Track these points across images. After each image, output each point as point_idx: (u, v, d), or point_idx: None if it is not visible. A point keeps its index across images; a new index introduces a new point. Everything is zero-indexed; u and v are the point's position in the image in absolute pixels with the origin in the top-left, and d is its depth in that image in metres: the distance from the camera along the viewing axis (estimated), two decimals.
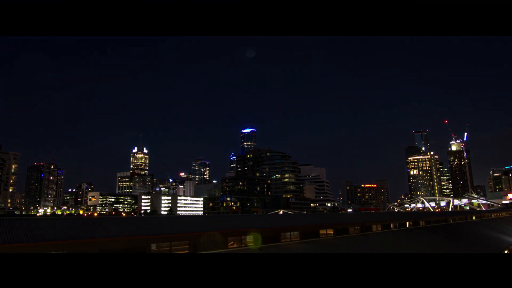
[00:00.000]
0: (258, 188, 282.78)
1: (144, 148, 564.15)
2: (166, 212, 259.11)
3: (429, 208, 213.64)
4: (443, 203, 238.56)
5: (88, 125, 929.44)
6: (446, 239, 66.49)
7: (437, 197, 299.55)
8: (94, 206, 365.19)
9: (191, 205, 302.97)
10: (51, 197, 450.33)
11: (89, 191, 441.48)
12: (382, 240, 53.55)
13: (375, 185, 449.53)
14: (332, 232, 48.17)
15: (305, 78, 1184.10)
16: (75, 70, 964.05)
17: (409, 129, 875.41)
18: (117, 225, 30.17)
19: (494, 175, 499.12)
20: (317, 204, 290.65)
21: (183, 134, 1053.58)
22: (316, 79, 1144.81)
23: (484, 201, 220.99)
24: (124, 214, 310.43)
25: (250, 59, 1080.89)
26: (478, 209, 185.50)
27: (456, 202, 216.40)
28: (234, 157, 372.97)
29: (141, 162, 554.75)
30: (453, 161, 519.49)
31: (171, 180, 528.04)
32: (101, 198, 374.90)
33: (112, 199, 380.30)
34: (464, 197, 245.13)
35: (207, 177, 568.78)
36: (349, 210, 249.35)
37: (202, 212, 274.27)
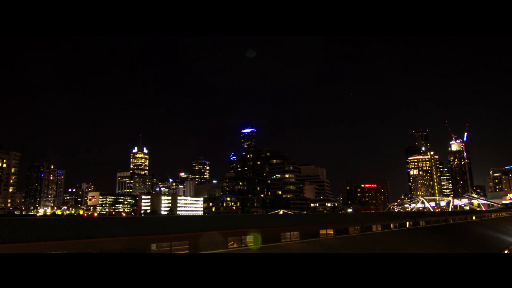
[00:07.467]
0: (258, 188, 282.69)
1: (144, 148, 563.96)
2: (166, 212, 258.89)
3: (429, 208, 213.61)
4: (443, 203, 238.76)
5: (88, 125, 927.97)
6: (446, 239, 66.50)
7: (437, 197, 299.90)
8: (94, 206, 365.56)
9: (191, 205, 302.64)
10: (51, 197, 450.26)
11: (89, 191, 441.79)
12: (382, 240, 53.58)
13: (375, 185, 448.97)
14: (332, 232, 48.21)
15: (305, 78, 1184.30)
16: (75, 70, 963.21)
17: (409, 129, 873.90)
18: (117, 225, 30.19)
19: (494, 175, 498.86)
20: (317, 204, 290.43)
21: (183, 134, 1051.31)
22: (316, 79, 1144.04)
23: (484, 201, 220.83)
24: (124, 214, 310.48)
25: (251, 59, 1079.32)
26: (478, 209, 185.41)
27: (456, 202, 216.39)
28: (234, 157, 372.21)
29: (141, 162, 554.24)
30: (453, 161, 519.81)
31: (171, 180, 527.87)
32: (101, 198, 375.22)
33: (112, 199, 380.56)
34: (464, 197, 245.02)
35: (207, 177, 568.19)
36: (349, 210, 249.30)
37: (202, 212, 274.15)
